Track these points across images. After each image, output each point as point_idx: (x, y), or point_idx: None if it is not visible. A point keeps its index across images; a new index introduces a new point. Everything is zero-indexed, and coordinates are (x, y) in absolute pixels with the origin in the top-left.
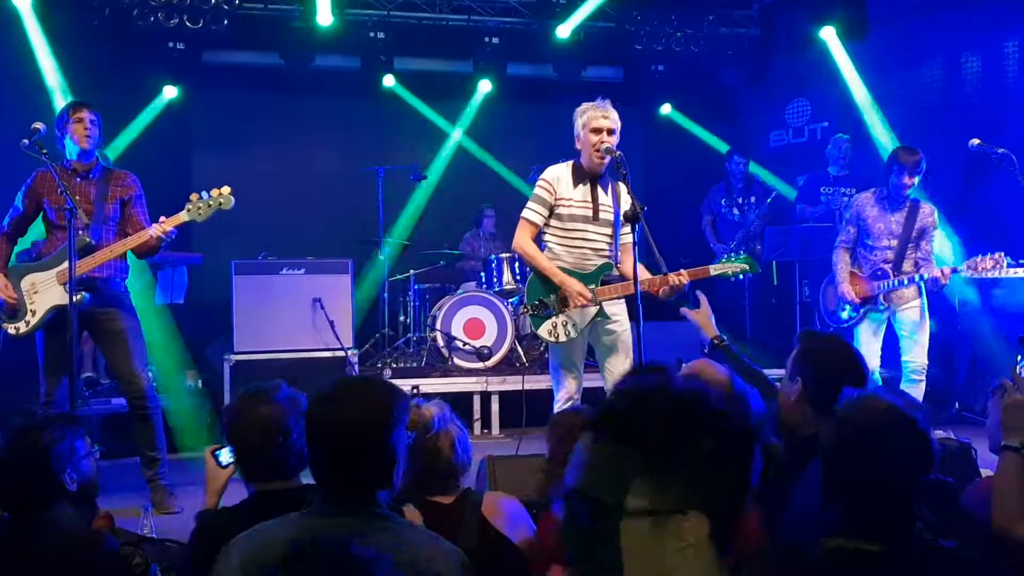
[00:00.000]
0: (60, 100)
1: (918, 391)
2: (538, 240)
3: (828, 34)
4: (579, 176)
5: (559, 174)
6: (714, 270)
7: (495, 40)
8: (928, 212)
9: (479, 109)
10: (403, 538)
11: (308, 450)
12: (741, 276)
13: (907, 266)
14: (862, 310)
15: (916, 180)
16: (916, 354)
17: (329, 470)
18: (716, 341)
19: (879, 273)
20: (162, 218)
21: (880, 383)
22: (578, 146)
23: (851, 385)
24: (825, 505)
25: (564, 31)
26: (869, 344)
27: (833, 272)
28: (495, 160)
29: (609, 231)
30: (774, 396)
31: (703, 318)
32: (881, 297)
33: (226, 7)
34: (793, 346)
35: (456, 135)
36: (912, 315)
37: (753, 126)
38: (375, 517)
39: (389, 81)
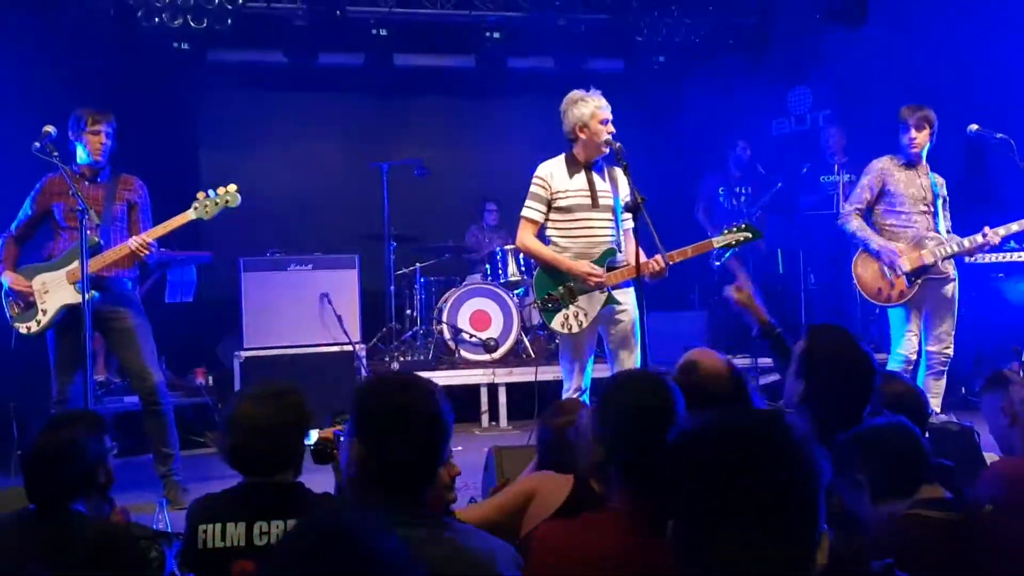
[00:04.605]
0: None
1: (943, 384)
2: (541, 236)
3: (827, 21)
4: (573, 166)
5: (551, 169)
6: (717, 242)
7: (496, 35)
8: (942, 182)
9: (481, 103)
10: None
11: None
12: (743, 243)
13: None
14: (923, 278)
15: (924, 135)
16: (949, 343)
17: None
18: (765, 327)
19: (930, 240)
20: (140, 235)
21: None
22: (582, 135)
23: (858, 395)
24: None
25: None
26: (914, 322)
27: (861, 242)
28: (498, 153)
29: (610, 216)
30: None
31: (750, 302)
32: (940, 263)
33: (229, 6)
34: (798, 337)
35: (459, 129)
36: (949, 293)
37: (755, 115)
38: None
39: (392, 77)
